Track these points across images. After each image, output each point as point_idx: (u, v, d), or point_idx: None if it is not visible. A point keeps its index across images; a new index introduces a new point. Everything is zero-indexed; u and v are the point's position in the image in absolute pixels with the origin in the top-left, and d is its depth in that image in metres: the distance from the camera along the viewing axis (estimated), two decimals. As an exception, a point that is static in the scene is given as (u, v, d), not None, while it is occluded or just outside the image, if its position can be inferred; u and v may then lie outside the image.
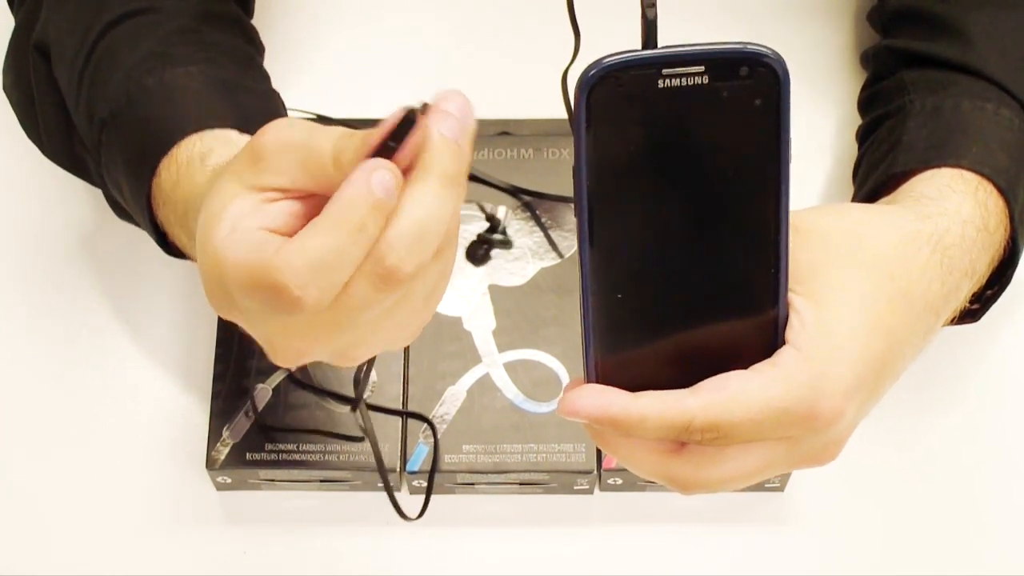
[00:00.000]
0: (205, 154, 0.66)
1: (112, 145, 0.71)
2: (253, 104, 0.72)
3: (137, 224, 0.75)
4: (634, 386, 0.55)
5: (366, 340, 0.54)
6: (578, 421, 0.55)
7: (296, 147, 0.52)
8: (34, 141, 0.81)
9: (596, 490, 0.80)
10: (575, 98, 0.49)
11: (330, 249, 0.49)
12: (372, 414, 0.78)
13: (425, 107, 0.51)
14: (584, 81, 0.49)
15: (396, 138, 0.50)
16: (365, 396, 0.79)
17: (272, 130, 0.52)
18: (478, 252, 0.82)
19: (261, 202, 0.52)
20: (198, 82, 0.71)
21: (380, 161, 0.50)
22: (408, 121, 0.50)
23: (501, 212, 0.83)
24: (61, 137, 0.78)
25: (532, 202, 0.84)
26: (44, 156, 0.81)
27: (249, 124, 0.67)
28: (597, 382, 0.55)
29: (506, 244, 0.82)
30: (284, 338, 0.53)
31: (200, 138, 0.68)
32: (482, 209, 0.83)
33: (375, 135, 0.50)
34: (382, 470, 0.75)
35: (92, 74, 0.73)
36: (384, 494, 0.78)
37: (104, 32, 0.74)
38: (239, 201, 0.52)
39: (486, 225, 0.83)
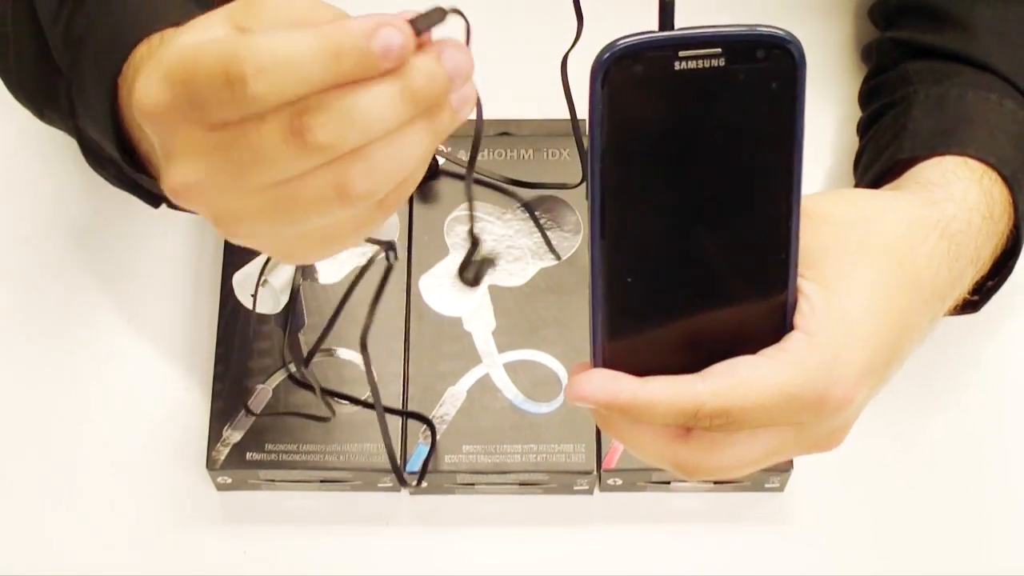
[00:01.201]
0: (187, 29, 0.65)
1: (86, 59, 0.69)
2: None
3: (106, 171, 0.73)
4: (641, 371, 0.54)
5: (251, 214, 0.50)
6: (585, 406, 0.55)
7: (297, 7, 0.49)
8: (2, 74, 0.79)
9: (596, 490, 0.80)
10: (590, 79, 0.49)
11: (298, 54, 0.46)
12: (373, 413, 0.78)
13: (458, 14, 0.49)
14: (600, 63, 0.49)
15: (418, 28, 0.48)
16: (365, 396, 0.79)
17: None
18: (466, 274, 0.80)
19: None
20: None
21: (400, 23, 0.47)
22: (435, 17, 0.48)
23: (479, 227, 0.80)
24: (34, 64, 0.75)
25: (531, 203, 0.84)
26: (11, 92, 0.79)
27: None
28: (604, 366, 0.55)
29: (490, 261, 0.79)
30: (187, 155, 0.49)
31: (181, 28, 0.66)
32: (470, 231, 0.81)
33: (392, 16, 0.47)
34: (388, 444, 0.74)
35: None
36: (384, 494, 0.78)
37: None
38: (218, 29, 0.50)
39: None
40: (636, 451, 0.57)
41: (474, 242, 0.77)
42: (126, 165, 0.68)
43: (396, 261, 0.69)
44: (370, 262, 0.75)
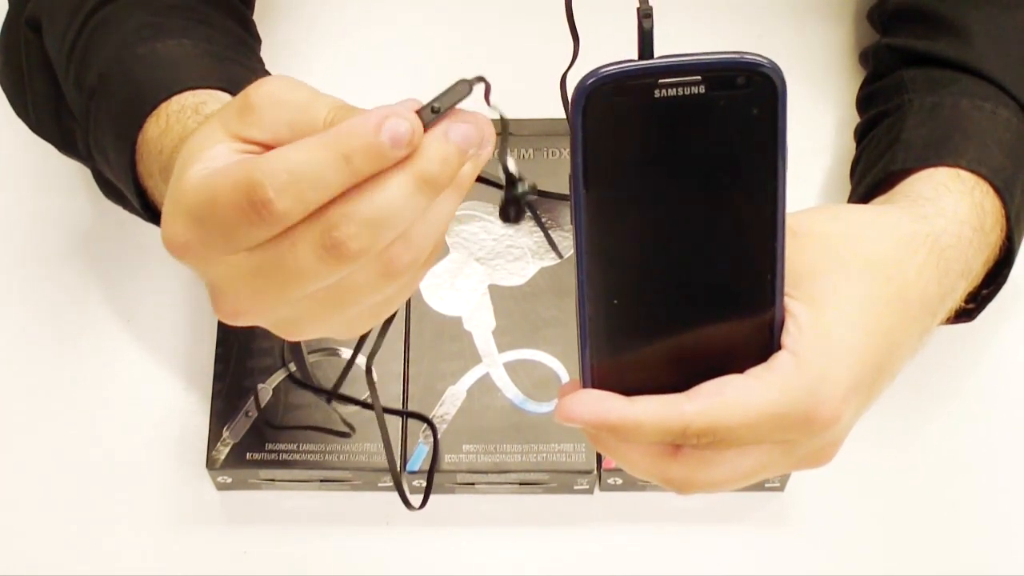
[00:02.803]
0: (199, 105, 0.66)
1: (100, 111, 0.71)
2: (246, 78, 0.70)
3: (123, 203, 0.75)
4: (629, 389, 0.55)
5: (306, 317, 0.53)
6: (574, 426, 0.55)
7: (290, 106, 0.51)
8: (22, 117, 0.81)
9: (596, 490, 0.80)
10: (571, 107, 0.49)
11: (311, 164, 0.48)
12: (372, 413, 0.78)
13: (482, 81, 0.51)
14: (580, 91, 0.49)
15: (439, 107, 0.50)
16: (364, 396, 0.79)
17: (269, 83, 0.52)
18: (509, 212, 0.79)
19: (240, 151, 0.51)
20: (190, 52, 0.71)
21: (405, 112, 0.49)
22: (461, 92, 0.50)
23: (512, 164, 0.79)
24: (50, 110, 0.78)
25: (533, 202, 0.84)
26: (32, 132, 0.81)
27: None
28: (593, 386, 0.55)
29: (533, 189, 0.76)
30: (230, 284, 0.52)
31: (193, 93, 0.67)
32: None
33: (398, 105, 0.49)
34: (391, 461, 0.74)
35: (84, 44, 0.73)
36: (384, 494, 0.78)
37: (98, 6, 0.74)
38: (220, 147, 0.51)
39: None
40: (627, 467, 0.58)
41: (510, 178, 0.76)
42: (145, 216, 0.70)
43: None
44: None
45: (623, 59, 0.49)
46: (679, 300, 0.54)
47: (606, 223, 0.51)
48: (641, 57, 0.50)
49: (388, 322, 0.71)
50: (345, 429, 0.78)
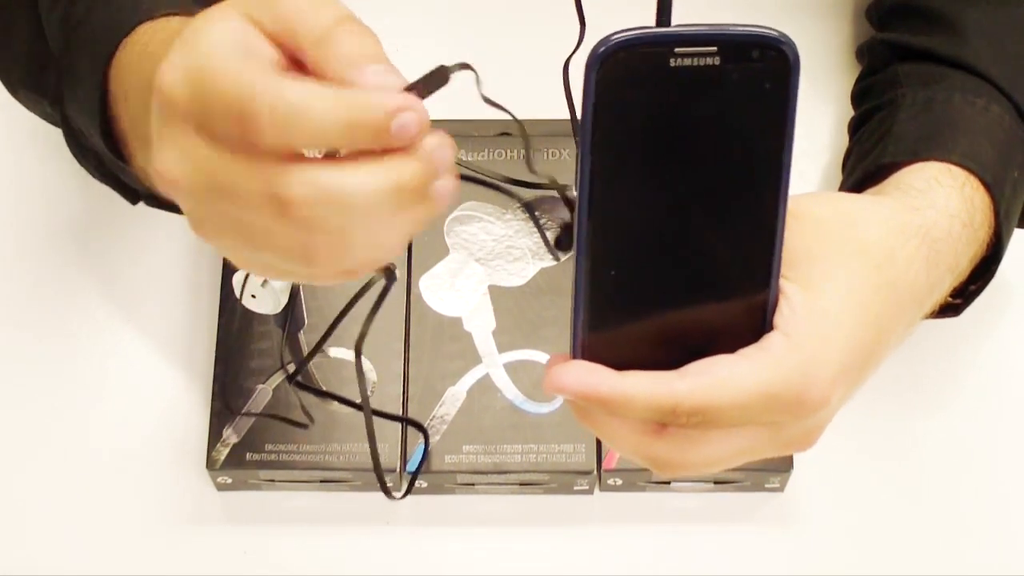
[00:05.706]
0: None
1: (82, 40, 0.69)
2: None
3: (89, 162, 0.73)
4: (619, 364, 0.54)
5: (229, 236, 0.50)
6: (563, 397, 0.55)
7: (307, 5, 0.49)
8: None
9: (596, 490, 0.80)
10: (585, 69, 0.49)
11: (316, 112, 0.46)
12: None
13: (466, 68, 0.50)
14: (595, 55, 0.49)
15: (420, 88, 0.49)
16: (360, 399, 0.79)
17: None
18: (563, 240, 0.80)
19: (254, 35, 0.49)
20: None
21: (418, 106, 0.47)
22: (439, 81, 0.49)
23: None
24: (25, 51, 0.75)
25: (531, 203, 0.84)
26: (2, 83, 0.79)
27: None
28: (583, 358, 0.55)
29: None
30: (180, 156, 0.49)
31: (178, 20, 0.65)
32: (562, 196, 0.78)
33: (406, 90, 0.49)
34: (374, 454, 0.74)
35: None
36: (383, 494, 0.78)
37: None
38: (234, 24, 0.49)
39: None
40: (612, 444, 0.57)
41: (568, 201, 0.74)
42: (107, 151, 0.68)
43: (395, 281, 0.69)
44: (369, 283, 0.74)
45: (639, 26, 0.49)
46: (677, 275, 0.53)
47: (609, 191, 0.51)
48: (659, 25, 0.50)
49: (372, 314, 0.70)
50: (303, 420, 0.78)
